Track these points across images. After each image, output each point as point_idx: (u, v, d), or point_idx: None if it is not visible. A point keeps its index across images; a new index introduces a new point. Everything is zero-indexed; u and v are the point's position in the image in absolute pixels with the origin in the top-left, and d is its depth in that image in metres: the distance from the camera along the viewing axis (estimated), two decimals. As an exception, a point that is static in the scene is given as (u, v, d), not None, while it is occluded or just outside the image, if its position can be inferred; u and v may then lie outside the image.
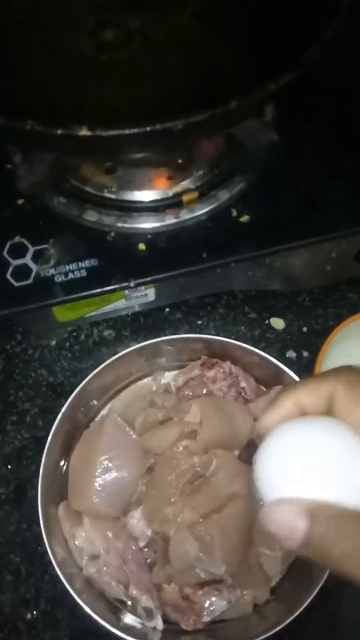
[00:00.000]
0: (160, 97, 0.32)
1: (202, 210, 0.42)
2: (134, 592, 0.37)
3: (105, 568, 0.38)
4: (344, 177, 0.42)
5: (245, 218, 0.42)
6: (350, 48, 0.44)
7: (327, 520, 0.18)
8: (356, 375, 0.19)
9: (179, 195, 0.42)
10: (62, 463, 0.42)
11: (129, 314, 0.50)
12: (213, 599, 0.37)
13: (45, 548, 0.37)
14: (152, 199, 0.42)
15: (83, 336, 0.50)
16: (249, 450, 0.41)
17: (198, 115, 0.26)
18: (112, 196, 0.42)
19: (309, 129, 0.44)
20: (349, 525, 0.18)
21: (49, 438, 0.39)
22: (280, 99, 0.40)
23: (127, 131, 0.25)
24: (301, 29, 0.29)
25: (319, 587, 0.35)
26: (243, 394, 0.43)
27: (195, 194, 0.42)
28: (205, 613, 0.37)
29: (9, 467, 0.46)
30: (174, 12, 0.37)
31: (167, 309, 0.51)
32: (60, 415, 0.39)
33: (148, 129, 0.25)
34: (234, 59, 0.32)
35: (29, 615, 0.42)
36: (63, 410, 0.39)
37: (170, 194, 0.42)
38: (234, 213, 0.42)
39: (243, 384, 0.43)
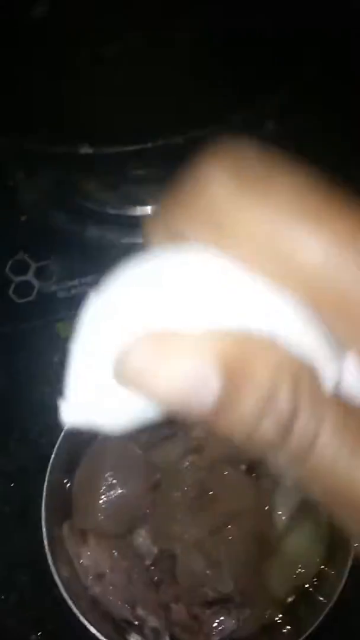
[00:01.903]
0: (164, 114, 0.33)
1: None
2: (141, 612, 0.36)
3: (110, 587, 0.38)
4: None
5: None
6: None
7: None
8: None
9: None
10: (66, 481, 0.41)
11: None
12: (222, 618, 0.37)
13: (50, 567, 0.36)
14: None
15: (86, 352, 0.50)
16: (255, 464, 0.41)
17: (198, 131, 0.26)
18: (115, 212, 0.42)
19: (309, 143, 0.44)
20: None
21: (52, 456, 0.38)
22: (281, 114, 0.41)
23: (130, 147, 0.26)
24: (296, 42, 0.29)
25: (327, 608, 0.34)
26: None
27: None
28: (214, 633, 0.37)
29: (13, 485, 0.45)
30: (175, 32, 0.38)
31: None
32: (63, 432, 0.39)
33: (149, 144, 0.26)
34: (235, 76, 0.32)
35: (33, 637, 0.41)
36: (65, 428, 0.39)
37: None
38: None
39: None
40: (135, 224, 0.42)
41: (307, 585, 0.38)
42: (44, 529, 0.37)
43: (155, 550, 0.38)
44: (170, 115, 0.29)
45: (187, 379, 0.10)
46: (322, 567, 0.38)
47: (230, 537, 0.36)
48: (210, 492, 0.38)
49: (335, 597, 0.34)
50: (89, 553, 0.39)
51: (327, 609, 0.34)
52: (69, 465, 0.41)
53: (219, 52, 0.34)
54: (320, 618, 0.34)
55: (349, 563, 0.35)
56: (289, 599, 0.39)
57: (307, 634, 0.35)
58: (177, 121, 0.27)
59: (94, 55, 0.35)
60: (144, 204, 0.42)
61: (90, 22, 0.36)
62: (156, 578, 0.38)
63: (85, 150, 0.26)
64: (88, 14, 0.36)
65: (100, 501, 0.38)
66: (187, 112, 0.30)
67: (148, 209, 0.42)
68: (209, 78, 0.32)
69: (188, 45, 0.35)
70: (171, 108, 0.30)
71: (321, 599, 0.35)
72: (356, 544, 0.32)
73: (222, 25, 0.34)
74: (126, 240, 0.41)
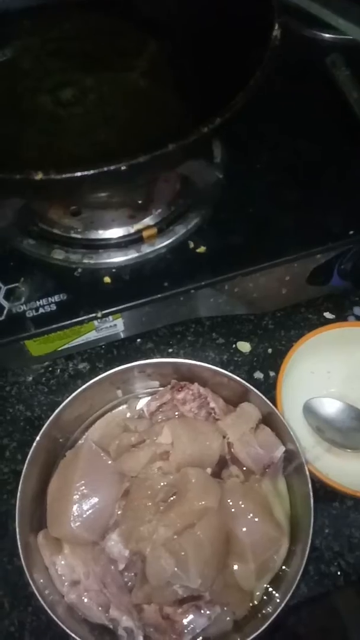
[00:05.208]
0: (113, 144, 0.36)
1: (161, 244, 0.45)
2: (115, 613, 0.38)
3: (85, 593, 0.39)
4: (289, 207, 0.46)
5: (201, 249, 0.45)
6: (290, 92, 0.49)
7: None
8: None
9: (140, 232, 0.45)
10: (41, 493, 0.43)
11: (103, 345, 0.52)
12: (192, 616, 0.38)
13: (27, 579, 0.38)
14: (115, 237, 0.45)
15: (59, 370, 0.52)
16: (220, 468, 0.43)
17: (140, 158, 0.29)
18: (78, 236, 0.45)
19: (256, 166, 0.48)
20: None
21: (25, 467, 0.40)
22: (224, 141, 0.45)
23: (77, 174, 0.29)
24: (230, 81, 0.33)
25: (283, 604, 0.36)
26: (212, 413, 0.45)
27: (154, 230, 0.45)
28: (186, 631, 0.38)
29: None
30: (125, 71, 0.42)
31: (138, 340, 0.53)
32: (34, 444, 0.41)
33: (96, 171, 0.29)
34: (176, 108, 0.36)
35: (14, 650, 0.42)
36: (37, 438, 0.41)
37: (132, 231, 0.45)
38: (191, 245, 0.45)
39: (212, 404, 0.45)
40: (97, 246, 0.45)
41: (268, 585, 0.39)
42: (18, 540, 0.38)
43: (126, 553, 0.39)
44: (121, 146, 0.32)
45: None
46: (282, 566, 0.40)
47: (196, 536, 0.37)
48: (177, 494, 0.40)
49: (289, 595, 0.36)
50: (63, 561, 0.40)
51: (283, 604, 0.36)
52: (45, 478, 0.43)
53: (161, 92, 0.37)
54: (276, 614, 0.36)
55: (304, 562, 0.37)
56: (263, 599, 0.40)
57: (261, 629, 0.36)
58: (127, 151, 0.30)
59: (53, 97, 0.39)
60: (106, 227, 0.45)
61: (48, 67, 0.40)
62: (130, 582, 0.40)
63: (39, 177, 0.29)
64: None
65: (73, 510, 0.39)
66: (136, 142, 0.33)
67: (109, 232, 0.45)
68: (153, 112, 0.36)
69: (136, 86, 0.39)
70: (122, 139, 0.34)
71: (277, 595, 0.37)
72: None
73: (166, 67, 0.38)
74: (89, 261, 0.44)
